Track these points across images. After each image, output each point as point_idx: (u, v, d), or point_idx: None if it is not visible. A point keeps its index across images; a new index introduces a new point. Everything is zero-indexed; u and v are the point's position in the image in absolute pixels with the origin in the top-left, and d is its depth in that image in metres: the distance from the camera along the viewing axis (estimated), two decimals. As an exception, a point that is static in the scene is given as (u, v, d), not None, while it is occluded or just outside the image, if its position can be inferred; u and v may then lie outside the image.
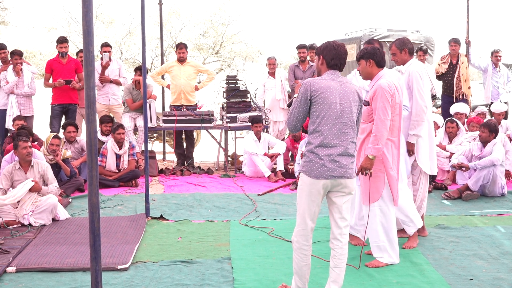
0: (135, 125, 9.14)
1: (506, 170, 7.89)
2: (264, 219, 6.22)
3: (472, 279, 4.40)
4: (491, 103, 10.29)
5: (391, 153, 4.60)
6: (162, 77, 10.34)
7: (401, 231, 5.37)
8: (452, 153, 8.11)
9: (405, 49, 5.31)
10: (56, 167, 7.47)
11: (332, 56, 3.91)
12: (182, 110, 9.20)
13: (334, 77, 3.90)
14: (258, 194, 7.49)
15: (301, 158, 8.09)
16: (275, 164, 8.85)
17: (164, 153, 10.92)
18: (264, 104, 10.07)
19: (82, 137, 8.73)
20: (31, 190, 5.98)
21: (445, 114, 9.82)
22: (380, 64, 4.59)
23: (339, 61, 3.92)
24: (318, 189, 3.80)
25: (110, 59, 9.27)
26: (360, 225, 5.20)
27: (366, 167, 4.44)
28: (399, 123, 4.67)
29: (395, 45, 5.37)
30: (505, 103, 10.13)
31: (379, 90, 4.47)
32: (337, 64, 3.92)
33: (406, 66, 5.28)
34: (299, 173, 3.94)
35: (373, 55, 4.56)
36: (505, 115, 9.60)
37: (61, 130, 8.67)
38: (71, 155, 7.93)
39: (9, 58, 9.04)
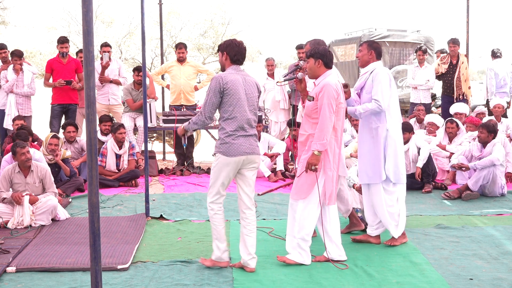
0: (135, 125, 9.14)
1: (507, 173, 7.88)
2: (264, 219, 6.22)
3: (472, 279, 4.40)
4: (488, 100, 10.34)
5: (333, 152, 4.64)
6: (162, 77, 10.33)
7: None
8: (452, 153, 8.11)
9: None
10: (55, 167, 7.47)
11: (235, 53, 4.55)
12: (182, 110, 9.20)
13: (237, 71, 4.55)
14: (258, 194, 7.48)
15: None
16: (275, 164, 8.85)
17: (164, 153, 10.92)
18: (264, 104, 10.07)
19: (82, 137, 8.73)
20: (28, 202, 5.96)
21: (445, 114, 9.82)
22: (328, 65, 4.75)
23: (241, 56, 4.57)
24: (235, 165, 4.46)
25: (110, 59, 9.27)
26: (376, 223, 5.27)
27: (312, 163, 4.55)
28: (342, 125, 4.73)
29: (309, 44, 5.40)
30: (508, 102, 10.14)
31: (326, 87, 4.58)
32: (239, 59, 4.57)
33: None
34: (214, 154, 4.55)
35: (323, 56, 4.73)
36: (505, 113, 9.61)
37: (61, 130, 8.67)
38: (70, 154, 7.93)
39: (10, 58, 9.04)
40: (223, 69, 4.67)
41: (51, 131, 8.79)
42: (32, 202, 5.95)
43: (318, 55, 4.72)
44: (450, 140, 8.47)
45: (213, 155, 4.60)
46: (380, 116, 5.02)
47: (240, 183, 4.61)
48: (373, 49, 5.14)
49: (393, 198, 5.17)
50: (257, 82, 4.67)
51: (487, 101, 10.43)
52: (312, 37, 5.54)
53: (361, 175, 5.22)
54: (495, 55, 10.54)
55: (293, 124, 8.43)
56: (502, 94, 10.35)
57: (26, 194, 6.01)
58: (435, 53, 10.62)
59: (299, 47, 9.91)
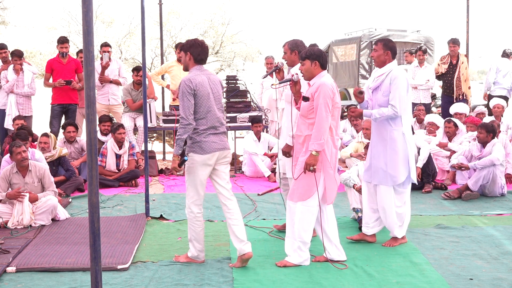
0: (135, 125, 9.14)
1: (506, 174, 7.86)
2: (264, 219, 6.23)
3: (472, 279, 4.40)
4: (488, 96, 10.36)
5: (330, 151, 4.64)
6: (162, 77, 10.32)
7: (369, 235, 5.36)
8: (453, 152, 8.10)
9: (296, 51, 5.26)
10: (53, 166, 7.47)
11: (198, 52, 4.65)
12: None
13: (201, 72, 4.66)
14: (258, 194, 7.49)
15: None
16: (275, 164, 8.84)
17: (164, 153, 10.92)
18: (262, 102, 10.05)
19: (82, 137, 8.73)
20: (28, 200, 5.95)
21: (445, 114, 9.83)
22: (324, 66, 4.75)
23: (204, 56, 4.69)
24: (210, 162, 4.60)
25: (110, 59, 9.27)
26: (372, 222, 5.27)
27: (310, 164, 4.53)
28: (337, 124, 4.73)
29: (288, 45, 5.38)
30: (505, 98, 10.13)
31: (322, 87, 4.57)
32: (203, 59, 4.69)
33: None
34: (187, 153, 4.63)
35: (319, 57, 4.72)
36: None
37: (61, 130, 8.67)
38: (67, 152, 7.92)
39: (10, 58, 9.05)
40: (186, 69, 4.77)
41: (51, 131, 8.80)
42: (32, 200, 5.95)
43: (315, 56, 4.69)
44: (450, 140, 8.47)
45: (186, 155, 4.64)
46: (396, 120, 5.03)
47: (215, 178, 4.73)
48: (389, 49, 5.09)
49: (402, 198, 5.19)
50: (220, 80, 4.84)
51: (488, 100, 10.44)
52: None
53: (373, 177, 5.17)
54: (504, 54, 10.55)
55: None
56: (501, 89, 10.35)
57: (26, 193, 6.01)
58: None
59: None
